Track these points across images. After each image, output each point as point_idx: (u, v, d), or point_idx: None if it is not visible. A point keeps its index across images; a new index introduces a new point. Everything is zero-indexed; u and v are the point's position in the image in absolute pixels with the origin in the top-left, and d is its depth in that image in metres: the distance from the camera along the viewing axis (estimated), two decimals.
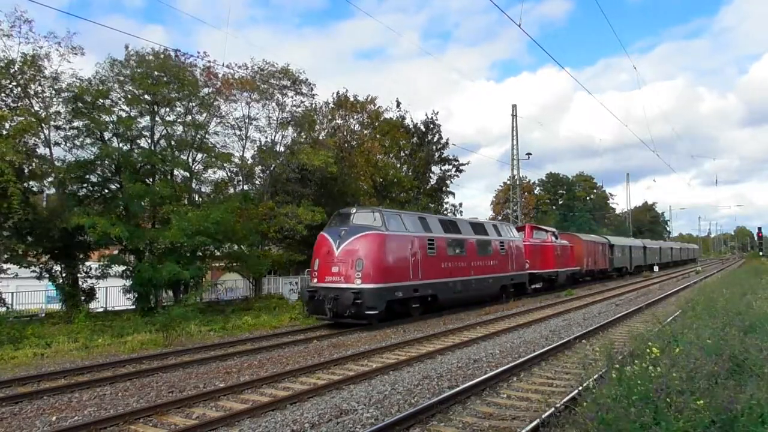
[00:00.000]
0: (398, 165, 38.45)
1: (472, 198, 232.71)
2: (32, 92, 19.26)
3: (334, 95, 34.90)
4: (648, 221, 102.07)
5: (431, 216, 21.23)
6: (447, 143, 40.70)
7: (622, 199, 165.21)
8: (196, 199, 24.08)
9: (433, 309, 19.33)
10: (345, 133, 33.01)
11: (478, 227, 23.28)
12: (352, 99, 35.34)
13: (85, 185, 21.55)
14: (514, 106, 42.72)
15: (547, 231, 31.08)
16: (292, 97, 26.66)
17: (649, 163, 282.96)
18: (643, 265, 51.96)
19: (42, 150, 20.27)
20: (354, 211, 17.93)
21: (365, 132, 35.45)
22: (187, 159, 23.20)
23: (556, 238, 31.11)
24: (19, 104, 19.04)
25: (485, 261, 22.56)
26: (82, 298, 20.93)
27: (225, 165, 24.88)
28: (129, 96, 21.53)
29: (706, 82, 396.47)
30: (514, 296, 24.75)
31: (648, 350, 6.06)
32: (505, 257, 24.31)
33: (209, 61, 23.48)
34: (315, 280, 16.96)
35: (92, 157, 20.98)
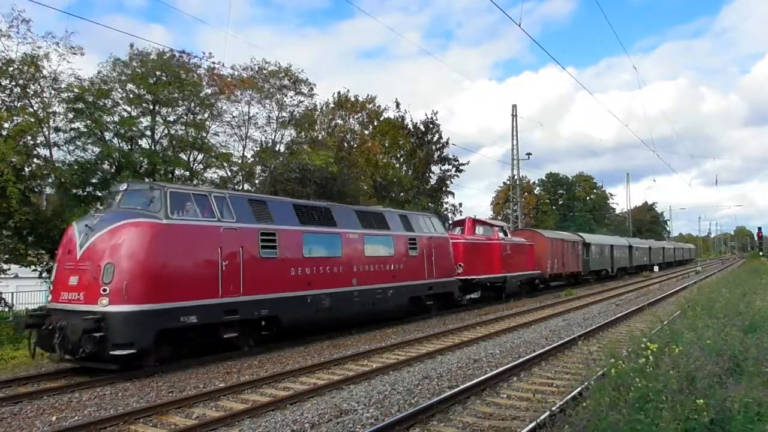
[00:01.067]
0: (398, 165, 38.46)
1: (474, 198, 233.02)
2: (31, 92, 19.27)
3: (335, 95, 35.00)
4: (648, 221, 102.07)
5: (277, 199, 14.88)
6: (447, 143, 40.73)
7: (623, 199, 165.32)
8: None
9: (281, 336, 13.47)
10: (345, 133, 33.02)
11: (370, 218, 16.89)
12: (352, 99, 35.42)
13: (85, 186, 21.57)
14: (514, 107, 42.77)
15: (493, 226, 25.05)
16: (291, 97, 26.76)
17: (651, 163, 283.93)
18: (628, 267, 45.82)
19: (42, 150, 20.30)
20: (124, 187, 11.88)
21: (365, 132, 35.50)
22: (188, 159, 23.26)
23: (506, 234, 25.32)
24: (18, 104, 19.06)
25: (382, 264, 16.51)
26: None
27: (225, 165, 24.93)
28: (131, 96, 21.59)
29: (708, 82, 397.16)
30: (437, 309, 19.54)
31: (646, 349, 6.06)
32: (419, 259, 18.26)
33: (213, 62, 23.53)
34: (50, 298, 11.09)
35: (93, 157, 21.02)
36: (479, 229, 24.29)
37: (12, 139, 17.48)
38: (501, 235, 24.71)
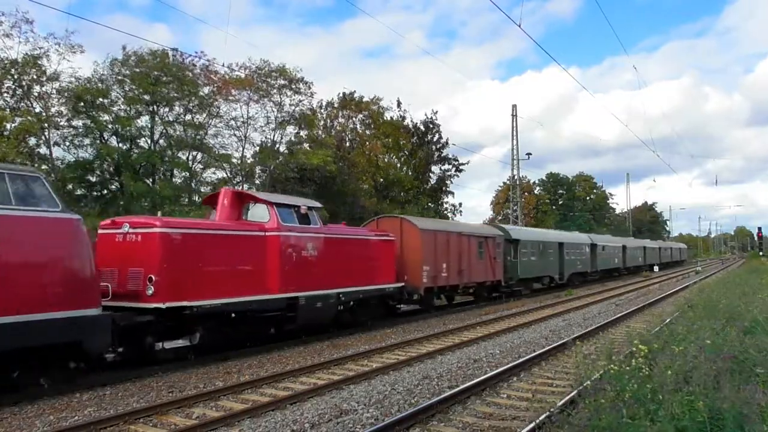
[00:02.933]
0: (398, 165, 38.54)
1: (475, 198, 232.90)
2: (35, 94, 19.36)
3: (340, 95, 35.09)
4: (648, 221, 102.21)
5: None
6: (446, 143, 40.83)
7: (623, 199, 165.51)
8: (196, 199, 24.15)
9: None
10: (345, 132, 33.09)
11: None
12: (356, 99, 35.49)
13: (83, 185, 21.64)
14: (514, 106, 42.82)
15: (274, 204, 13.10)
16: (290, 96, 26.81)
17: (652, 162, 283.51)
18: (588, 272, 35.51)
19: (43, 150, 20.38)
20: None
21: (367, 132, 35.59)
22: (187, 159, 23.31)
23: (309, 221, 13.67)
24: (20, 105, 19.14)
25: None
26: None
27: (224, 165, 24.99)
28: (129, 96, 21.66)
29: (711, 81, 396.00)
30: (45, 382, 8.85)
31: (639, 351, 6.09)
32: None
33: (208, 60, 23.63)
34: None
35: (91, 156, 21.09)
36: (254, 210, 13.12)
37: (15, 138, 17.56)
38: (287, 222, 12.98)
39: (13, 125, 18.22)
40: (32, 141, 19.56)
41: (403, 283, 17.14)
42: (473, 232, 22.62)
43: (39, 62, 18.94)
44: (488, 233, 23.81)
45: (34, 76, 18.95)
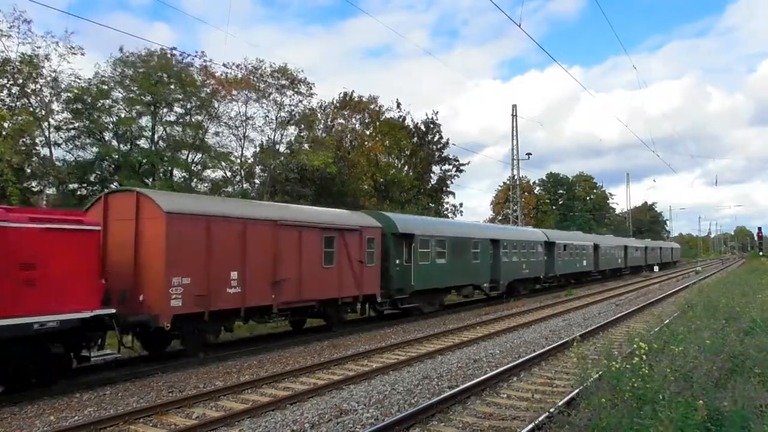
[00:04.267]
0: (399, 165, 38.48)
1: (476, 198, 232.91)
2: (30, 91, 19.32)
3: (341, 95, 35.07)
4: (648, 221, 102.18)
5: None
6: (447, 143, 40.79)
7: (623, 199, 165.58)
8: None
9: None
10: (345, 133, 33.05)
11: None
12: (356, 99, 35.46)
13: (84, 185, 21.64)
14: (514, 107, 42.76)
15: None
16: (290, 96, 26.78)
17: (653, 162, 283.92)
18: (543, 278, 28.46)
19: (42, 150, 20.37)
20: None
21: (366, 132, 35.56)
22: (187, 159, 23.30)
23: None
24: (17, 104, 19.12)
25: None
26: None
27: (224, 165, 25.00)
28: (129, 96, 21.66)
29: (713, 81, 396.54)
30: None
31: (639, 350, 6.08)
32: None
33: (206, 60, 23.63)
34: None
35: (92, 157, 21.09)
36: None
37: (12, 138, 17.53)
38: None
39: (11, 125, 18.20)
40: (30, 141, 19.58)
41: (112, 310, 9.61)
42: (310, 220, 14.41)
43: (35, 62, 18.91)
44: (346, 224, 15.64)
45: (28, 72, 18.91)
